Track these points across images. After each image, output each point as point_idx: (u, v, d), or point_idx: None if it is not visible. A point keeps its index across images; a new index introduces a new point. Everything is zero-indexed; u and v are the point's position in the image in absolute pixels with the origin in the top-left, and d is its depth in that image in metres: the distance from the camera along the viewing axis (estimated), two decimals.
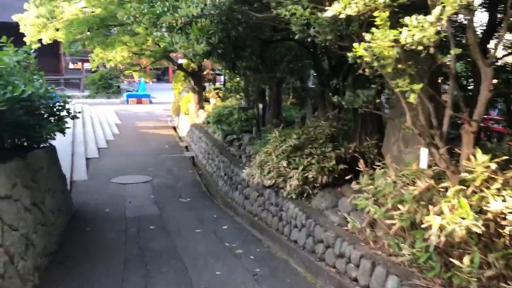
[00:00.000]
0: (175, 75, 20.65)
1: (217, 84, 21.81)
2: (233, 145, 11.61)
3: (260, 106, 11.84)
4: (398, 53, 3.79)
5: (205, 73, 18.59)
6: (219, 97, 17.85)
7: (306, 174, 6.88)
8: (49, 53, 31.86)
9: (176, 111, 21.07)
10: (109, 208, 8.98)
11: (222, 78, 21.50)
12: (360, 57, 4.10)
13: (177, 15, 5.93)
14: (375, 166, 5.49)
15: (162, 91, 33.48)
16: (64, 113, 7.77)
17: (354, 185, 5.47)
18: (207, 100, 18.17)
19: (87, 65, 38.53)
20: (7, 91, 4.77)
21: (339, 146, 7.13)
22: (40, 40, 15.48)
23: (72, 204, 8.73)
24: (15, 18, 15.31)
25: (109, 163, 13.16)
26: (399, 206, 4.54)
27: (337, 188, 6.90)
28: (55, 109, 7.60)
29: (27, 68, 6.47)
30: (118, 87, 31.11)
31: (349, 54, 4.18)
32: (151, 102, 29.01)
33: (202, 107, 17.42)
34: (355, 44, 3.74)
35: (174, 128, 20.21)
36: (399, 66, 4.02)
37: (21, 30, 15.19)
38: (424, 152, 4.83)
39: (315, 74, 19.18)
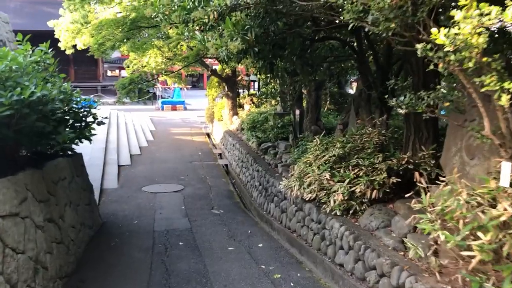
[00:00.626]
0: (209, 81, 20.05)
1: (251, 91, 21.12)
2: (268, 153, 10.79)
3: (297, 112, 11.01)
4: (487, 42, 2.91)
5: (239, 78, 17.88)
6: (253, 103, 17.13)
7: (353, 188, 5.98)
8: (87, 60, 31.87)
9: (209, 118, 20.45)
10: (138, 220, 8.30)
11: (256, 84, 20.78)
12: (432, 49, 3.24)
13: (209, 9, 5.17)
14: (436, 181, 4.58)
15: (197, 97, 33.10)
16: (90, 118, 7.18)
17: (415, 204, 4.54)
18: (241, 106, 17.46)
19: (124, 73, 38.66)
20: (15, 93, 4.10)
21: (390, 157, 6.21)
22: (74, 46, 15.16)
23: (99, 216, 8.09)
24: (50, 24, 15.03)
25: (141, 171, 12.56)
26: (479, 233, 3.60)
27: (388, 204, 5.97)
28: (80, 115, 7.03)
29: (46, 69, 5.86)
30: (154, 94, 30.88)
31: (418, 46, 3.31)
32: (185, 109, 28.60)
33: (236, 114, 16.71)
34: (433, 30, 2.86)
35: (208, 135, 19.58)
36: (484, 59, 3.13)
37: (56, 36, 14.90)
38: (506, 167, 3.87)
39: (352, 80, 18.23)
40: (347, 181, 6.06)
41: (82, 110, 6.95)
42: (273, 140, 11.41)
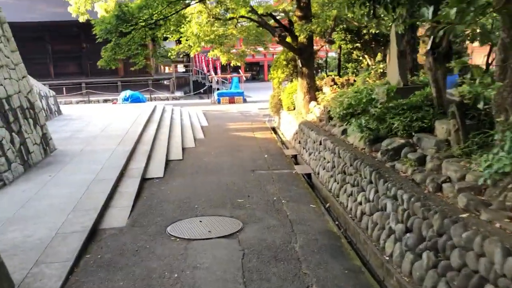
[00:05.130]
0: (274, 60, 14.61)
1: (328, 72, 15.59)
2: (402, 160, 5.23)
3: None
4: None
5: (317, 49, 12.33)
6: (336, 84, 11.56)
7: None
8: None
9: (275, 108, 15.02)
10: None
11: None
12: None
13: None
14: None
15: (258, 90, 28.10)
16: None
17: None
18: (318, 90, 11.89)
19: (181, 68, 34.21)
20: None
21: None
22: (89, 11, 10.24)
23: None
24: None
25: (175, 189, 7.33)
26: None
27: None
28: None
29: None
30: (210, 87, 25.92)
31: None
32: (245, 101, 23.37)
33: (314, 99, 11.18)
34: None
35: (274, 130, 14.20)
36: None
37: None
38: None
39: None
40: None
41: None
42: (403, 133, 5.82)
